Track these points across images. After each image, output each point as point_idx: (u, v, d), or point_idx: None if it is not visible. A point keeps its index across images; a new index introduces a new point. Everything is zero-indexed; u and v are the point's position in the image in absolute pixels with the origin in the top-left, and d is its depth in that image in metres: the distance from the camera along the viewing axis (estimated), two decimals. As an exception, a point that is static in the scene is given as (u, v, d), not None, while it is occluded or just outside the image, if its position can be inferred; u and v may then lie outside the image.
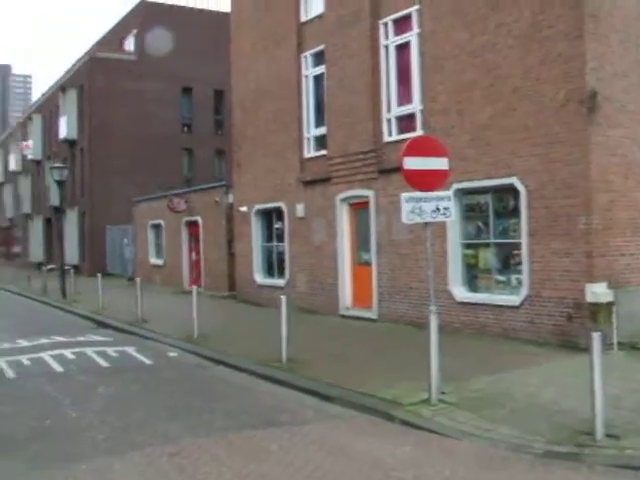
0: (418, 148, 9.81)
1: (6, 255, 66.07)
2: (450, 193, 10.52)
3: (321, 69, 19.98)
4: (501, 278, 14.84)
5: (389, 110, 17.56)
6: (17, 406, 10.35)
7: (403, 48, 17.22)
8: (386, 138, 17.56)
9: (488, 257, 15.13)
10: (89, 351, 14.71)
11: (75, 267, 43.40)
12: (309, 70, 20.75)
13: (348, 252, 18.96)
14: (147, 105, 42.73)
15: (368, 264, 18.14)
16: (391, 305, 17.22)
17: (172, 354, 14.75)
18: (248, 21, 23.77)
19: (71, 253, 44.14)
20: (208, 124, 45.61)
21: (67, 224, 45.00)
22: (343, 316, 18.80)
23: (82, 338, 16.91)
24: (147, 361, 13.84)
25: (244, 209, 23.91)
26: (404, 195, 9.69)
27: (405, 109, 17.18)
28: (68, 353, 14.54)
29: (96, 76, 42.49)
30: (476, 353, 12.92)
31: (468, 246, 15.51)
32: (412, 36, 16.75)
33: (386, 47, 17.59)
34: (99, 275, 24.10)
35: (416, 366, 10.40)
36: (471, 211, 15.45)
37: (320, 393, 10.62)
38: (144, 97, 42.66)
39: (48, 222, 50.59)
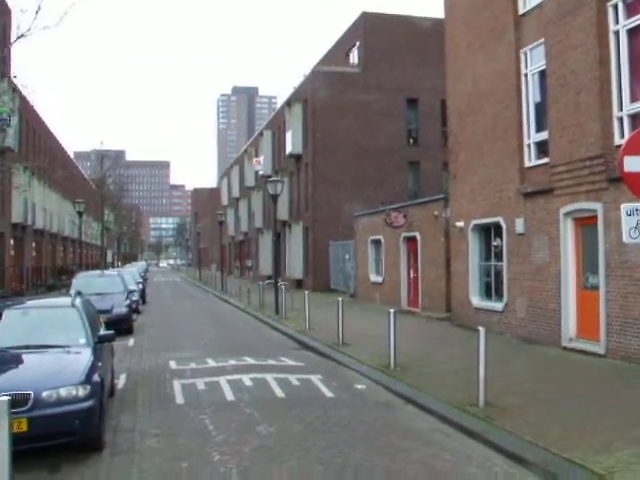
0: (641, 145, 7.48)
1: (240, 268, 68.58)
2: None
3: (542, 65, 17.64)
4: None
5: (621, 107, 14.87)
6: (167, 440, 9.42)
7: (636, 32, 14.50)
8: (617, 141, 14.88)
9: None
10: (269, 378, 13.54)
11: (298, 282, 43.63)
12: (529, 67, 18.46)
13: (573, 274, 16.39)
14: (371, 117, 42.00)
15: (595, 289, 15.50)
16: (622, 339, 14.49)
17: (360, 386, 13.19)
18: (462, 19, 21.89)
19: (295, 267, 44.41)
20: (435, 136, 43.87)
21: (292, 238, 45.40)
22: (565, 348, 16.26)
23: (273, 361, 15.86)
24: (328, 394, 12.41)
25: (460, 224, 21.96)
26: (625, 207, 7.52)
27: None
28: (247, 379, 13.49)
29: (319, 90, 42.44)
30: None
31: None
32: (648, 16, 14.03)
33: (616, 33, 14.92)
34: (306, 292, 23.17)
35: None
36: None
37: (514, 454, 8.54)
38: (368, 109, 41.97)
39: (277, 236, 51.38)
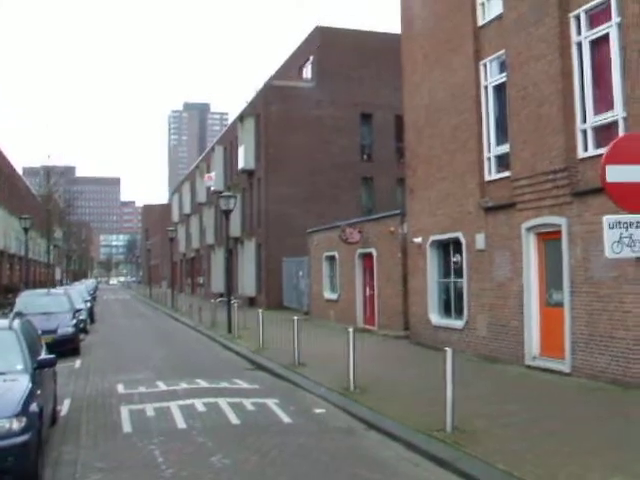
0: (625, 153, 7.04)
1: (192, 286, 67.45)
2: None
3: (502, 77, 17.30)
4: None
5: (584, 120, 14.53)
6: (112, 475, 8.68)
7: (599, 43, 14.18)
8: (581, 154, 14.55)
9: None
10: (223, 403, 12.74)
11: (251, 299, 42.81)
12: (489, 79, 18.11)
13: (536, 291, 15.96)
14: (325, 133, 41.59)
15: (559, 305, 15.08)
16: (588, 357, 14.06)
17: (318, 410, 12.49)
18: (419, 30, 21.53)
19: (248, 285, 43.61)
20: (389, 152, 43.57)
21: (245, 255, 44.62)
22: (529, 366, 15.81)
23: (226, 384, 15.07)
24: (285, 419, 11.69)
25: (418, 240, 21.47)
26: (607, 219, 7.04)
27: (604, 117, 14.04)
28: (199, 404, 12.68)
29: (272, 104, 41.89)
30: None
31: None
32: (611, 27, 13.68)
33: (579, 44, 14.62)
34: (260, 310, 22.40)
35: (625, 448, 7.55)
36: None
37: (489, 486, 7.97)
38: (322, 124, 41.55)
39: (230, 253, 50.57)
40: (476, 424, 10.42)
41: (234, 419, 11.57)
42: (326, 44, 42.91)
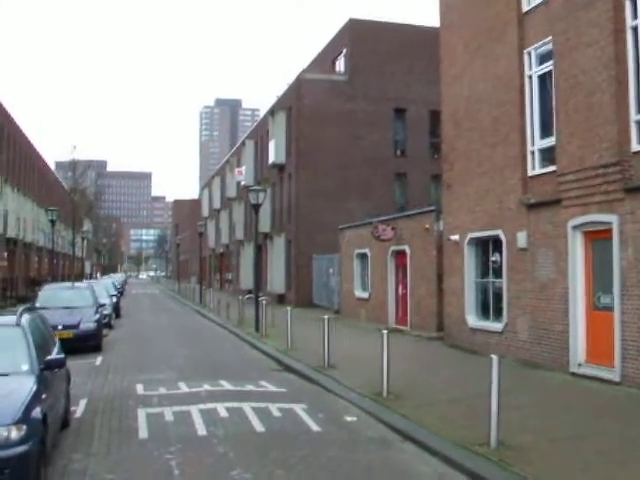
0: None
1: (220, 281, 66.77)
2: None
3: (548, 66, 16.28)
4: None
5: (639, 110, 13.51)
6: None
7: (659, 26, 13.16)
8: (635, 147, 13.51)
9: None
10: (247, 408, 11.91)
11: (280, 296, 42.02)
12: (533, 69, 17.10)
13: (582, 293, 14.93)
14: (358, 127, 40.65)
15: (609, 309, 14.07)
16: (641, 365, 13.07)
17: (350, 418, 11.61)
18: (459, 20, 20.54)
19: (277, 282, 42.81)
20: (423, 147, 42.56)
21: (274, 251, 43.82)
22: (574, 374, 14.81)
23: (251, 387, 14.26)
24: (314, 427, 10.83)
25: (455, 238, 20.51)
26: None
27: (662, 108, 13.07)
28: (222, 409, 11.87)
29: (304, 98, 41.03)
30: None
31: None
32: (673, 9, 12.69)
33: (634, 28, 13.56)
34: (288, 308, 21.52)
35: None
36: None
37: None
38: (354, 119, 40.62)
39: (259, 249, 49.89)
40: (522, 439, 9.52)
41: (259, 426, 10.75)
42: (359, 37, 41.98)
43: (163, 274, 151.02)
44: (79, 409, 12.05)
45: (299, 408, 12.10)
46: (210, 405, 12.16)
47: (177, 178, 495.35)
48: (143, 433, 10.35)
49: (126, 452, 9.37)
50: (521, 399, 12.32)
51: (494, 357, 9.40)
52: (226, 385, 14.31)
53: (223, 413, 11.62)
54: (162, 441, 9.83)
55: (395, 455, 9.46)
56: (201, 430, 10.50)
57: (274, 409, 11.93)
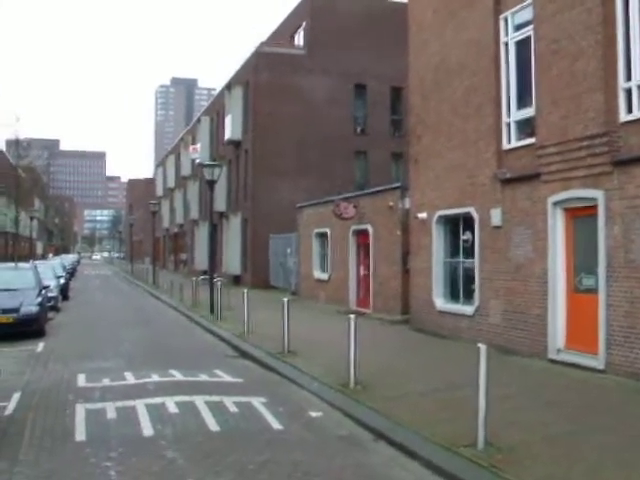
0: None
1: (174, 262, 65.08)
2: None
3: (527, 31, 15.17)
4: None
5: (628, 77, 12.45)
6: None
7: (653, -15, 12.10)
8: (623, 116, 12.48)
9: None
10: (200, 402, 10.63)
11: (236, 277, 40.69)
12: (510, 35, 15.99)
13: (563, 274, 13.92)
14: (317, 103, 39.28)
15: (592, 292, 13.08)
16: (628, 353, 12.07)
17: (314, 414, 10.38)
18: (430, -18, 19.33)
19: (233, 262, 41.42)
20: (384, 125, 41.46)
21: (230, 231, 42.41)
22: (552, 360, 13.83)
23: (205, 377, 12.97)
24: (275, 424, 9.61)
25: (423, 216, 19.41)
26: None
27: (654, 73, 12.04)
28: (171, 404, 10.56)
29: (261, 72, 39.53)
30: None
31: None
32: (669, -35, 11.62)
33: (626, -13, 12.54)
34: (245, 290, 20.21)
35: None
36: None
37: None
38: (313, 95, 39.22)
39: (214, 228, 48.40)
40: (511, 437, 8.46)
41: (213, 425, 9.47)
42: (319, 10, 40.54)
43: (117, 255, 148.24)
44: (10, 405, 10.62)
45: (258, 402, 10.84)
46: (158, 399, 10.82)
47: (132, 158, 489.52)
48: (80, 435, 8.98)
49: (59, 459, 8.00)
50: (501, 389, 11.18)
51: (481, 346, 8.29)
52: (177, 375, 12.99)
53: (172, 409, 10.30)
54: (102, 444, 8.50)
55: (369, 458, 8.29)
56: (147, 430, 9.18)
57: (230, 404, 10.66)
